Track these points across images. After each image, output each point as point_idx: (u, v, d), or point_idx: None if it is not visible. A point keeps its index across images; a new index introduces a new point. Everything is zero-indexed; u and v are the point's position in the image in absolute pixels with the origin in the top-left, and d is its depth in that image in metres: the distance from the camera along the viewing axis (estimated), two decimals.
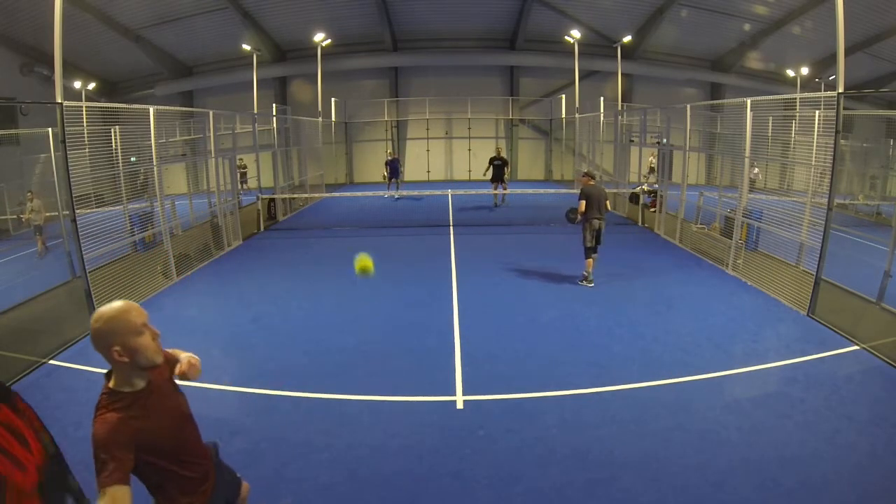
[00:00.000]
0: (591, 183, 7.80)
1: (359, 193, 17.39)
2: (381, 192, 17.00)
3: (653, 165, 16.90)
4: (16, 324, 6.15)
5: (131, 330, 1.75)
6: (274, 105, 17.32)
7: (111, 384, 1.82)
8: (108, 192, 7.96)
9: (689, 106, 10.75)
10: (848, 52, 7.65)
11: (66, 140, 6.13)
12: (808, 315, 6.53)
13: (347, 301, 7.36)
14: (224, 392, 4.85)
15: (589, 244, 7.66)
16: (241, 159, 18.37)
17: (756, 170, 13.33)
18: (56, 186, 8.29)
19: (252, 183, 17.57)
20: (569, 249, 9.72)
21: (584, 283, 7.75)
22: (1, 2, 15.85)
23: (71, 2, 15.90)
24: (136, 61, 21.48)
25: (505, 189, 15.63)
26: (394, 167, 17.39)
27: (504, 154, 16.59)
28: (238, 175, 18.83)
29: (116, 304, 1.79)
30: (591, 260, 7.69)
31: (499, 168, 15.49)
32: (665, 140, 12.24)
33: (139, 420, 1.79)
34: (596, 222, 7.58)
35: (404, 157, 24.56)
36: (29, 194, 11.01)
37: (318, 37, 18.77)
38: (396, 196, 17.42)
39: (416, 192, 17.69)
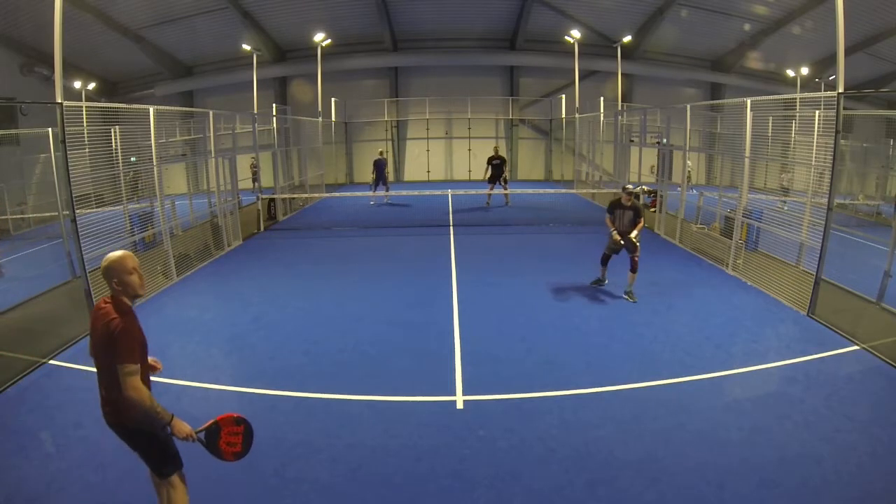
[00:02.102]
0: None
1: (359, 193, 17.33)
2: (380, 193, 16.55)
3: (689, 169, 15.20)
4: (16, 324, 6.14)
5: (125, 270, 2.53)
6: (274, 105, 17.27)
7: (111, 299, 2.53)
8: (109, 192, 7.95)
9: (689, 106, 10.75)
10: (848, 52, 7.64)
11: (66, 140, 6.12)
12: (808, 315, 6.53)
13: (347, 301, 7.36)
14: (224, 392, 4.84)
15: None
16: (253, 158, 18.32)
17: (790, 174, 12.67)
18: (56, 186, 8.28)
19: (264, 182, 17.32)
20: (568, 250, 9.74)
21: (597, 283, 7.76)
22: (1, 2, 15.84)
23: (71, 2, 15.90)
24: (136, 61, 21.47)
25: (506, 189, 15.22)
26: (380, 168, 16.30)
27: (502, 152, 16.02)
28: (251, 174, 18.76)
29: (118, 252, 2.54)
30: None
31: (497, 167, 15.11)
32: (665, 140, 12.24)
33: (138, 322, 2.59)
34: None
35: (404, 157, 24.53)
36: None
37: (318, 37, 18.75)
38: (373, 201, 16.36)
39: (393, 193, 16.67)
